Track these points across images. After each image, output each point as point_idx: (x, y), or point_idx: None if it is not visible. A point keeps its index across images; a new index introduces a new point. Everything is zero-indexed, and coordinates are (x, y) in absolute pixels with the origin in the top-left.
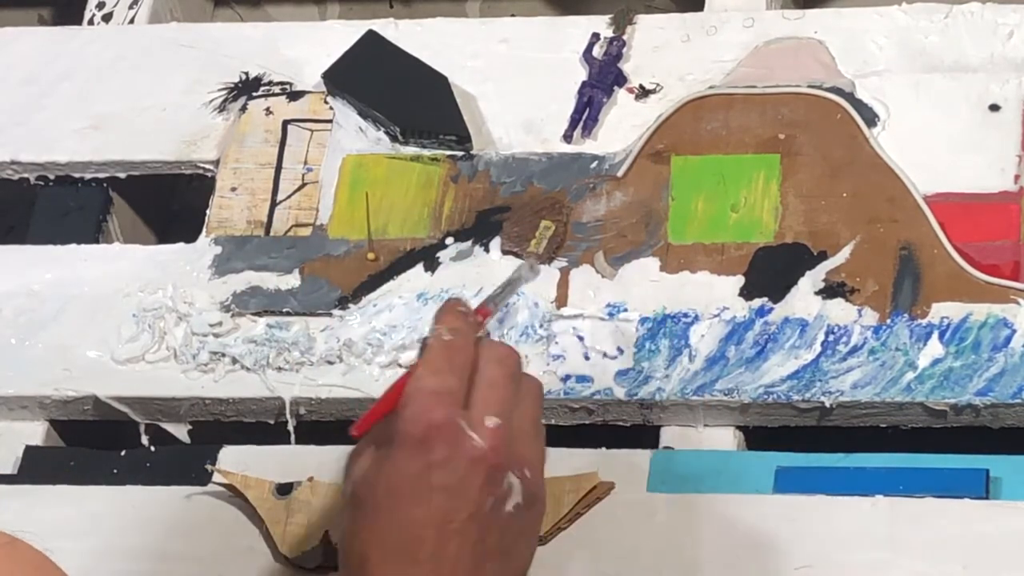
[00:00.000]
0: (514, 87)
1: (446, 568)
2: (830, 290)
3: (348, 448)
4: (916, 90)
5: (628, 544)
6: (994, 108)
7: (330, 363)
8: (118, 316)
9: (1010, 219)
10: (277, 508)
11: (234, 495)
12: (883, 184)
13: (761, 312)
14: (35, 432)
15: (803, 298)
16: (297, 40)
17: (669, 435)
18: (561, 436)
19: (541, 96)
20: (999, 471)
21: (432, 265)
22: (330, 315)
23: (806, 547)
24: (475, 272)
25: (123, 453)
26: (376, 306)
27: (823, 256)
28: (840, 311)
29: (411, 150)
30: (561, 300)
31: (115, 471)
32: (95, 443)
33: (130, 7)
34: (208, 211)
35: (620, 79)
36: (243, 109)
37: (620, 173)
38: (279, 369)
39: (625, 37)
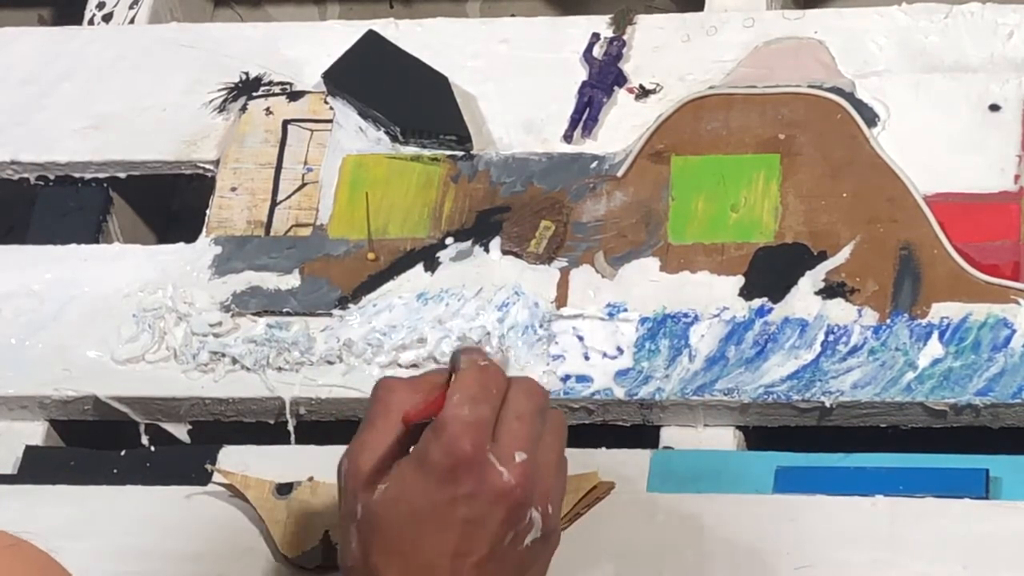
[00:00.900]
0: (514, 87)
1: None
2: (830, 290)
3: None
4: (916, 90)
5: (628, 544)
6: (994, 108)
7: (330, 363)
8: (118, 316)
9: (1010, 219)
10: (277, 508)
11: (234, 495)
12: (883, 184)
13: (761, 312)
14: (35, 432)
15: (803, 298)
16: (297, 40)
17: (669, 435)
18: None
19: (541, 96)
20: (999, 471)
21: (432, 265)
22: (330, 315)
23: (806, 547)
24: (475, 272)
25: (123, 453)
26: (376, 306)
27: (823, 256)
28: (840, 311)
29: (411, 150)
30: (561, 300)
31: (115, 471)
32: (95, 443)
33: (130, 7)
34: (208, 211)
35: (620, 79)
36: (243, 109)
37: (620, 173)
38: (279, 369)
39: (625, 37)
